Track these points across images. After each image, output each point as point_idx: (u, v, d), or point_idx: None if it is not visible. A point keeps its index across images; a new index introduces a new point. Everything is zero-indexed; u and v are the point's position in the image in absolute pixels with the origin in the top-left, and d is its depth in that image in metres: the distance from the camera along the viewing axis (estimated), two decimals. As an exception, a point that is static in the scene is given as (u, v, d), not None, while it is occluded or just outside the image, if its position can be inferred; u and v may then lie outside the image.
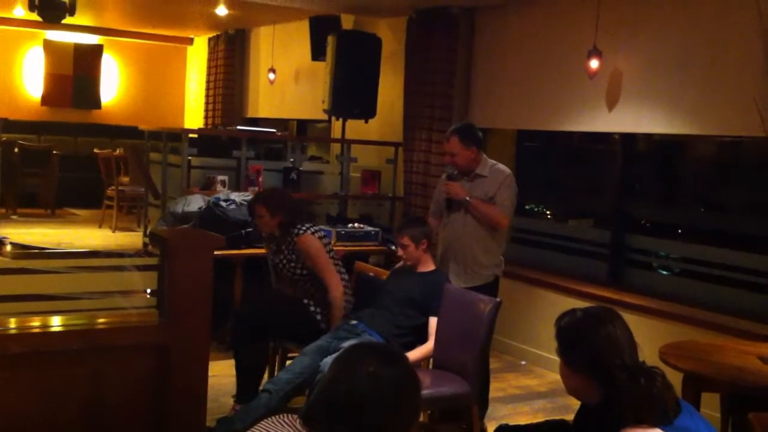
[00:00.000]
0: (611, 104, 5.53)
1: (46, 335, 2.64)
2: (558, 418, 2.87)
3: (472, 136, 4.54)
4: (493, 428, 2.83)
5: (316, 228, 4.66)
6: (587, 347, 2.16)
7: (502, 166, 4.65)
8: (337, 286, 4.44)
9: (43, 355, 2.50)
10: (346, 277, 4.59)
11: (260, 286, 6.18)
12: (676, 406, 2.04)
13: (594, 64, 5.39)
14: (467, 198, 4.49)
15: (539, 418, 2.91)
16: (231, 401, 4.35)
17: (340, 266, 4.59)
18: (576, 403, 5.27)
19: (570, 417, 3.05)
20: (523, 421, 2.98)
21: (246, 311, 4.58)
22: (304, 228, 4.53)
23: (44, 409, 2.49)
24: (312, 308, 4.45)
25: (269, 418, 1.94)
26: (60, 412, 2.52)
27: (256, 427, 1.93)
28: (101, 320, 2.76)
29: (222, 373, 4.58)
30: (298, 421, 1.89)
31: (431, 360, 4.15)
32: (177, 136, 6.85)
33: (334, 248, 4.94)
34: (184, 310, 2.65)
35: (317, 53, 8.12)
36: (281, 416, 1.93)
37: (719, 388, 3.52)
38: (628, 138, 5.67)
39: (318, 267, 4.47)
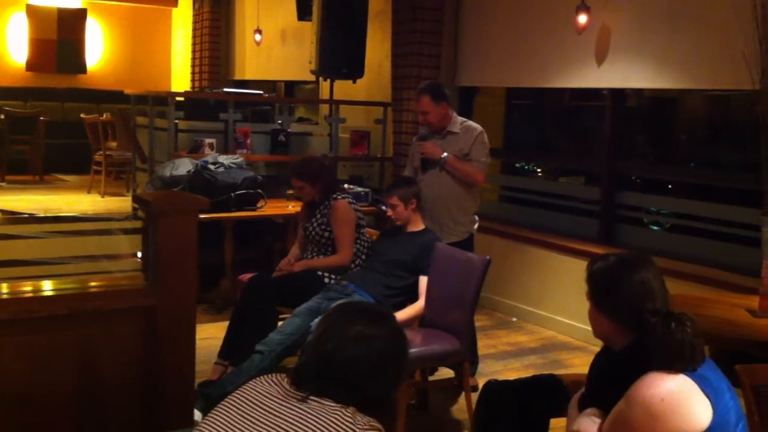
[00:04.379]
0: (600, 60, 5.49)
1: (34, 300, 2.62)
2: (547, 373, 2.89)
3: (441, 93, 4.57)
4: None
5: (355, 202, 4.70)
6: (620, 292, 2.17)
7: (473, 123, 4.67)
8: (347, 255, 4.47)
9: (30, 320, 2.49)
10: (363, 258, 4.55)
11: (252, 250, 6.21)
12: (702, 355, 2.07)
13: (582, 19, 5.34)
14: (444, 156, 4.50)
15: (530, 374, 2.92)
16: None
17: (363, 248, 4.57)
18: (566, 359, 5.33)
19: (560, 372, 3.07)
20: (513, 376, 2.99)
21: (260, 279, 4.54)
22: (343, 196, 4.61)
23: (33, 375, 2.49)
24: (326, 279, 4.43)
25: (258, 378, 1.95)
26: (49, 377, 2.52)
27: (244, 386, 1.93)
28: (88, 284, 2.75)
29: (213, 336, 4.59)
30: (285, 380, 1.89)
31: (422, 318, 4.16)
32: (163, 99, 6.78)
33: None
34: (170, 271, 2.63)
35: (303, 13, 8.03)
36: (269, 376, 1.94)
37: (709, 341, 3.53)
38: (618, 94, 5.63)
39: (339, 233, 4.48)
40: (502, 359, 5.06)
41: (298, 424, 1.74)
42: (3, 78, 11.94)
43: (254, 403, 1.84)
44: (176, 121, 6.42)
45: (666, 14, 5.05)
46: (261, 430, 1.76)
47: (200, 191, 5.05)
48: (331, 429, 1.72)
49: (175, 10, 12.97)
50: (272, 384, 1.89)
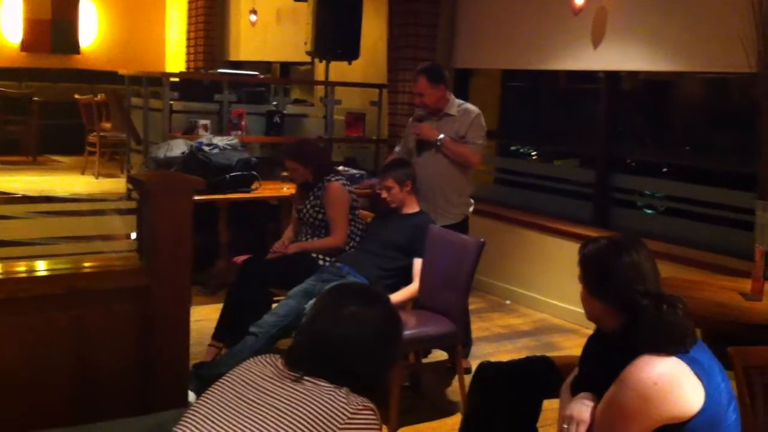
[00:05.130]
0: (596, 41, 5.47)
1: (27, 280, 2.61)
2: (540, 355, 2.90)
3: (439, 75, 4.55)
4: (477, 366, 2.86)
5: (349, 184, 4.68)
6: (610, 274, 2.18)
7: (470, 106, 4.65)
8: (341, 237, 4.46)
9: (23, 300, 2.48)
10: (357, 240, 4.55)
11: (246, 232, 6.21)
12: (693, 337, 2.07)
13: (579, 0, 5.31)
14: (440, 137, 4.49)
15: (523, 356, 2.93)
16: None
17: (357, 230, 4.56)
18: (559, 342, 5.35)
19: (554, 354, 3.08)
20: (506, 359, 3.00)
21: (254, 262, 4.54)
22: (337, 178, 4.59)
23: (26, 355, 2.49)
24: (320, 261, 4.43)
25: (252, 359, 1.95)
26: (43, 357, 2.51)
27: (238, 366, 1.93)
28: (82, 265, 2.74)
29: (207, 317, 4.59)
30: (279, 360, 1.89)
31: (416, 300, 4.16)
32: (158, 80, 6.74)
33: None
34: (164, 252, 2.63)
35: (299, -7, 7.98)
36: (263, 356, 1.94)
37: (701, 323, 3.54)
38: (614, 77, 5.63)
39: (333, 214, 4.47)
40: (496, 341, 5.08)
41: (292, 404, 1.74)
42: (-2, 58, 11.88)
43: (248, 384, 1.84)
44: (171, 102, 6.39)
45: (662, -4, 5.03)
46: (255, 410, 1.77)
47: (195, 173, 5.03)
48: (325, 409, 1.73)
49: (169, -10, 12.89)
50: (266, 365, 1.89)
